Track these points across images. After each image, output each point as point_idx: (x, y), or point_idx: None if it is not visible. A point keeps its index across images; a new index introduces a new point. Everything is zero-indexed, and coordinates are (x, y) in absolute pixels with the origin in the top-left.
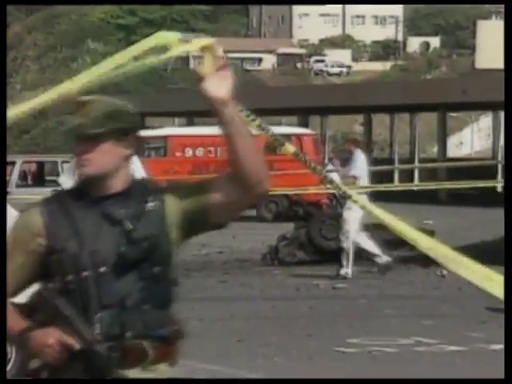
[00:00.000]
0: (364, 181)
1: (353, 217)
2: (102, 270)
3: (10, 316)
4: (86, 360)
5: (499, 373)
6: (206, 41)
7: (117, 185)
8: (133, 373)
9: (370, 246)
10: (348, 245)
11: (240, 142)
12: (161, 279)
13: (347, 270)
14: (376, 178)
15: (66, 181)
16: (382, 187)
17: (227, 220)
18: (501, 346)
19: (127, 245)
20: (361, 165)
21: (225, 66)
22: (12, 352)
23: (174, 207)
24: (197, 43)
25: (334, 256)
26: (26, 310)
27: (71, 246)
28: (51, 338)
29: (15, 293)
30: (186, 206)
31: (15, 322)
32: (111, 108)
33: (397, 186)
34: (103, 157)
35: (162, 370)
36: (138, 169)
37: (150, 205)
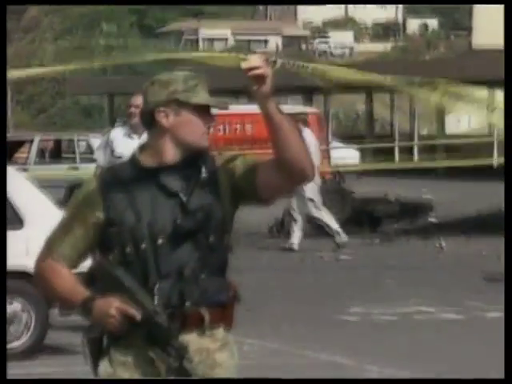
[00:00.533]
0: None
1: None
2: (160, 241)
3: (73, 285)
4: (148, 329)
5: (496, 340)
6: (261, 57)
7: (170, 157)
8: (190, 337)
9: (330, 221)
10: (297, 217)
11: (282, 135)
12: (216, 248)
13: (294, 240)
14: (378, 153)
15: (100, 156)
16: (382, 165)
17: (273, 199)
18: (497, 314)
19: (183, 216)
20: (308, 143)
21: (266, 67)
22: (32, 320)
23: (225, 179)
24: (255, 59)
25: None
26: (85, 280)
27: (129, 218)
28: (113, 307)
29: (75, 264)
30: (236, 180)
31: (78, 291)
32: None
33: (397, 164)
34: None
35: (218, 335)
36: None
37: (204, 176)
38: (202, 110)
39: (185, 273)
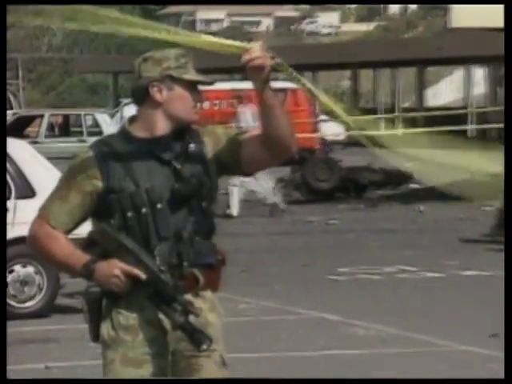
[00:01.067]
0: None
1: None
2: (159, 206)
3: (72, 250)
4: (153, 288)
5: (471, 296)
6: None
7: (161, 129)
8: (187, 297)
9: (264, 189)
10: (233, 190)
11: (274, 117)
12: (207, 212)
13: (232, 209)
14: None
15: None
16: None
17: (255, 172)
18: (472, 272)
19: (178, 182)
20: (244, 119)
21: (265, 58)
22: (44, 282)
23: (211, 149)
24: (255, 50)
25: (325, 196)
26: (85, 245)
27: (128, 185)
28: (116, 268)
29: (71, 230)
30: (221, 151)
31: (77, 256)
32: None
33: (383, 132)
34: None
35: (208, 296)
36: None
37: (192, 146)
38: (192, 87)
39: (183, 235)
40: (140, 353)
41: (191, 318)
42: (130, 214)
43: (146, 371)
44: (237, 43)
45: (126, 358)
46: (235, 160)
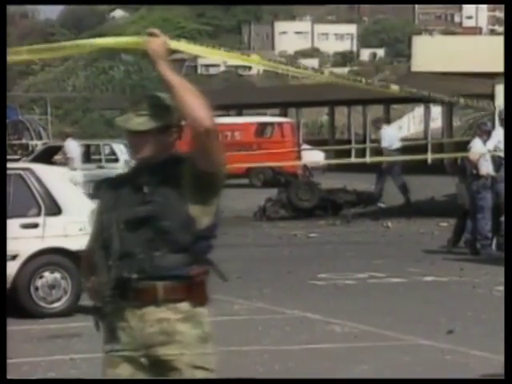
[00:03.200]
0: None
1: None
2: (121, 226)
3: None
4: (116, 297)
5: (430, 298)
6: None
7: (153, 159)
8: (148, 309)
9: None
10: None
11: (176, 91)
12: (171, 231)
13: None
14: (337, 154)
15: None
16: (342, 161)
17: (209, 166)
18: (431, 278)
19: (140, 205)
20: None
21: (161, 42)
22: (69, 286)
23: (188, 173)
24: (154, 41)
25: (307, 213)
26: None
27: (108, 209)
28: (89, 283)
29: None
30: (193, 170)
31: (86, 271)
32: (157, 108)
33: (352, 160)
34: (151, 146)
35: (182, 308)
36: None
37: (170, 172)
38: (127, 133)
39: (135, 252)
40: (117, 355)
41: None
42: (104, 234)
43: (122, 371)
44: (134, 39)
45: (107, 359)
46: (195, 165)
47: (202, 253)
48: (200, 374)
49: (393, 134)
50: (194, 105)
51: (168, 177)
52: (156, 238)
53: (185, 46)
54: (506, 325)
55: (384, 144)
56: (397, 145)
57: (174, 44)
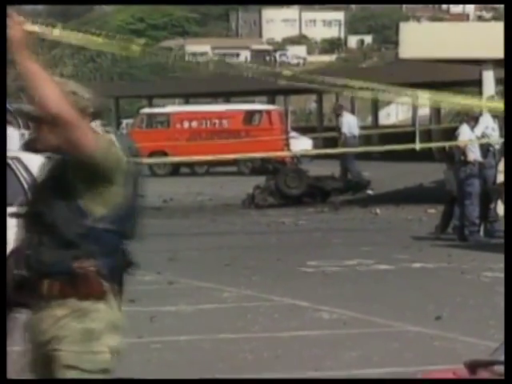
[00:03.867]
0: None
1: None
2: (21, 222)
3: None
4: (16, 295)
5: (418, 285)
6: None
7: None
8: (42, 306)
9: None
10: None
11: (30, 80)
12: (57, 225)
13: None
14: (326, 141)
15: None
16: (329, 150)
17: (78, 153)
18: (419, 265)
19: (32, 201)
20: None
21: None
22: None
23: (70, 165)
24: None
25: (295, 200)
26: None
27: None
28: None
29: None
30: (72, 161)
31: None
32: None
33: (339, 149)
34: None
35: (69, 303)
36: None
37: (56, 166)
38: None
39: (30, 246)
40: (25, 347)
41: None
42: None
43: (28, 362)
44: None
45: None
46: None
47: (94, 246)
48: (71, 374)
49: (352, 121)
50: (45, 92)
51: (54, 171)
52: (43, 234)
53: (42, 29)
54: (506, 324)
55: (344, 130)
56: (356, 132)
57: (30, 27)
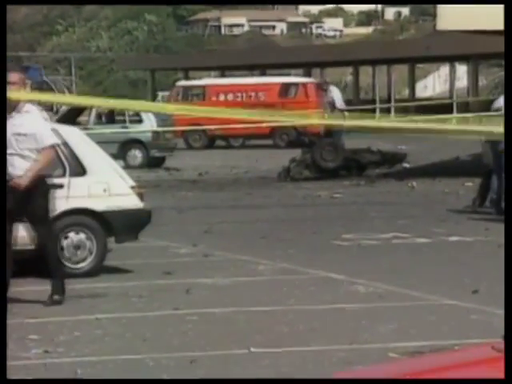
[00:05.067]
0: None
1: None
2: None
3: None
4: None
5: (455, 258)
6: None
7: None
8: None
9: None
10: None
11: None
12: None
13: None
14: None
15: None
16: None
17: None
18: (456, 238)
19: None
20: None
21: None
22: (94, 247)
23: None
24: None
25: (331, 174)
26: None
27: None
28: None
29: None
30: None
31: None
32: None
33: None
34: None
35: None
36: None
37: None
38: None
39: None
40: None
41: None
42: None
43: None
44: None
45: None
46: None
47: None
48: None
49: (337, 94)
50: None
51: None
52: None
53: (30, 95)
54: (505, 323)
55: (337, 104)
56: (342, 105)
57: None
